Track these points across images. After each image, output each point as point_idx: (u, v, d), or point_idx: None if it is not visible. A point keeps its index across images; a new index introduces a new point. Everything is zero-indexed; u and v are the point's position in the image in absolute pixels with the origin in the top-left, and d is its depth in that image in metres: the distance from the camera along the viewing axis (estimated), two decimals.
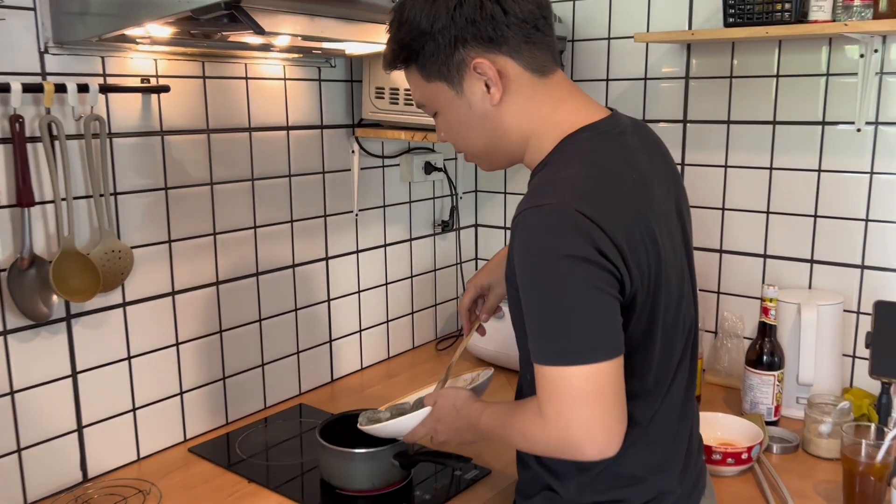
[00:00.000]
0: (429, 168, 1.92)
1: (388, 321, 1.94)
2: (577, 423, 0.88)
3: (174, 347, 1.46)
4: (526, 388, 1.08)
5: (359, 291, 1.85)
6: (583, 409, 0.87)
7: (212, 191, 1.49)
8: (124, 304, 1.37)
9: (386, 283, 1.92)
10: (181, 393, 1.48)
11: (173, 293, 1.45)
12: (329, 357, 1.79)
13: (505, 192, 2.13)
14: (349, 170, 1.77)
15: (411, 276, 1.99)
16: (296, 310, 1.69)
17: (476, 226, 2.20)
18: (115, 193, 1.33)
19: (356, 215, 1.80)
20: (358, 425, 1.25)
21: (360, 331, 1.87)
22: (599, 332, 0.88)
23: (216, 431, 1.54)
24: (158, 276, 1.42)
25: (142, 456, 1.42)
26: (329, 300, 1.77)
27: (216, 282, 1.52)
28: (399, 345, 1.99)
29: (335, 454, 1.28)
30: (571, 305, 0.87)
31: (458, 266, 2.14)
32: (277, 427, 1.57)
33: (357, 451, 1.26)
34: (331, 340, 1.79)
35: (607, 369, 0.88)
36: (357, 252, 1.82)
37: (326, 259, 1.75)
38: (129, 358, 1.39)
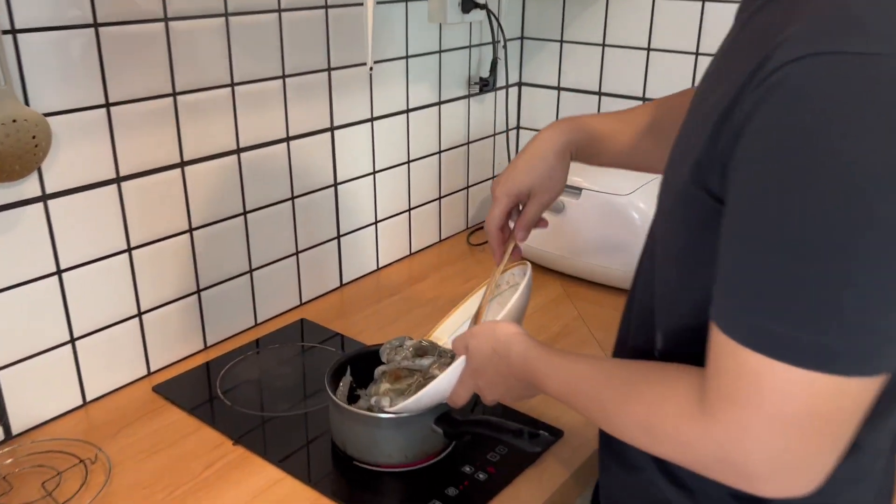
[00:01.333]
0: (467, 5, 1.42)
1: (409, 209, 1.53)
2: (769, 451, 0.51)
3: (125, 254, 1.05)
4: (638, 354, 0.71)
5: (374, 172, 1.42)
6: (790, 434, 0.50)
7: (167, 29, 1.02)
8: (44, 198, 0.95)
9: (408, 161, 1.49)
10: (139, 314, 1.09)
11: (118, 180, 1.02)
12: (337, 257, 1.39)
13: (561, 41, 1.64)
14: (360, 4, 1.28)
15: (439, 152, 1.55)
16: (293, 198, 1.27)
17: (520, 84, 1.73)
18: (14, 31, 0.87)
19: (370, 70, 1.33)
20: (380, 410, 0.90)
21: (377, 222, 1.46)
22: (889, 333, 0.48)
23: (191, 360, 1.17)
24: (94, 155, 0.99)
25: (88, 399, 1.06)
26: (336, 184, 1.35)
27: (181, 163, 1.09)
28: (423, 238, 1.59)
29: (352, 418, 0.92)
30: (868, 277, 0.47)
31: (505, 134, 1.69)
32: (272, 353, 1.20)
33: (383, 416, 0.89)
34: (339, 236, 1.38)
35: (863, 390, 0.49)
36: (371, 120, 1.38)
37: (332, 129, 1.31)
38: (59, 272, 0.98)
